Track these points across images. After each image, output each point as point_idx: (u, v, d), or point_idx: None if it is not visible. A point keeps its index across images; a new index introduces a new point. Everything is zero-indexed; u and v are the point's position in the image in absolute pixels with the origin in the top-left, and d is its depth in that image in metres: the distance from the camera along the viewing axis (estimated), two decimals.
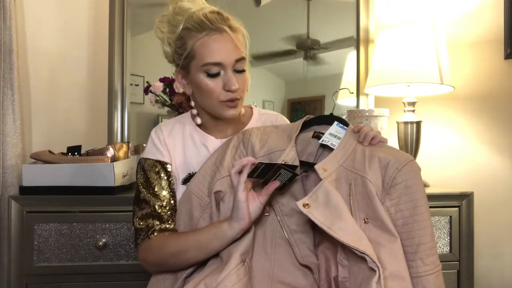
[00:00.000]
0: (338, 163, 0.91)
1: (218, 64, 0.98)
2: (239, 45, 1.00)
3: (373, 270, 0.77)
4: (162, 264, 0.99)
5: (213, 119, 1.08)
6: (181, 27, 0.99)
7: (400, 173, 0.86)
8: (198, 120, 1.09)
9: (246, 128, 1.09)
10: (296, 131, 0.99)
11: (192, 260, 0.95)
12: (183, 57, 1.00)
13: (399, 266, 0.81)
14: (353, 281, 0.82)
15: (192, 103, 1.10)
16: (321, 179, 0.88)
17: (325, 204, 0.84)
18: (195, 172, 1.05)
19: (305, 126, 1.02)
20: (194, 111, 1.10)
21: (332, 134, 0.96)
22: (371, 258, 0.77)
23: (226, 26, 0.98)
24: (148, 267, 1.03)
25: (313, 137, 1.00)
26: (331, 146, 0.94)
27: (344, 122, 0.98)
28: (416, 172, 0.87)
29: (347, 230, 0.81)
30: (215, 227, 0.92)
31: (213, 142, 1.09)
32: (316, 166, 0.90)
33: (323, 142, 0.95)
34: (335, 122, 0.97)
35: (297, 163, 0.93)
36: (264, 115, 1.16)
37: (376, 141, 0.94)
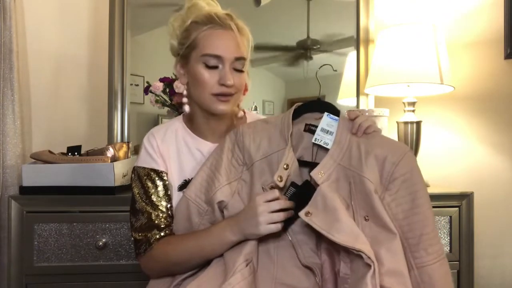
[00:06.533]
0: (335, 162, 0.92)
1: (217, 57, 0.99)
2: (241, 46, 1.01)
3: (369, 265, 0.78)
4: (166, 272, 1.01)
5: (205, 118, 1.07)
6: (190, 21, 1.01)
7: (397, 168, 0.88)
8: (187, 108, 1.09)
9: None
10: (288, 129, 0.98)
11: (195, 266, 0.98)
12: (185, 46, 1.02)
13: (397, 262, 0.83)
14: (354, 278, 0.83)
15: (185, 92, 1.09)
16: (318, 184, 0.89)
17: (324, 209, 0.86)
18: (191, 179, 1.04)
19: (294, 115, 1.02)
20: (185, 100, 1.09)
21: (324, 130, 0.95)
22: (366, 255, 0.79)
23: (233, 24, 1.00)
24: (151, 273, 1.04)
25: (304, 130, 0.99)
26: (325, 146, 0.94)
27: (334, 110, 0.98)
28: (413, 164, 0.89)
29: (345, 231, 0.82)
30: (218, 236, 0.93)
31: (207, 147, 1.08)
32: (312, 173, 0.91)
33: (316, 142, 0.95)
34: (325, 114, 0.97)
35: (296, 164, 0.94)
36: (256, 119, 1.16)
37: (370, 130, 0.94)
